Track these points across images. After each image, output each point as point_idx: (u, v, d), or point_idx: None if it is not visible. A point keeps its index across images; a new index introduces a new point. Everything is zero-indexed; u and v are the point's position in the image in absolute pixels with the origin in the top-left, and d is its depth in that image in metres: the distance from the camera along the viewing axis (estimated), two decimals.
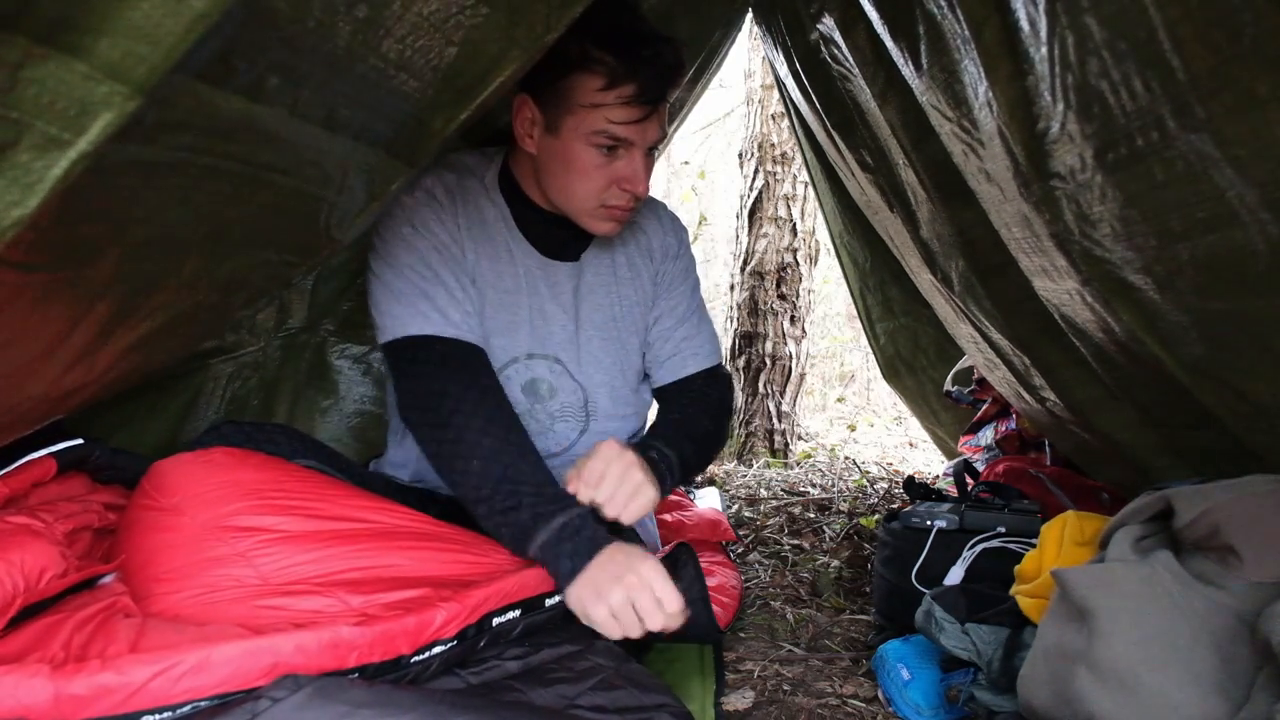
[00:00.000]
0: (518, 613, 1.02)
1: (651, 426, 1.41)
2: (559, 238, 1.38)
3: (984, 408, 2.39)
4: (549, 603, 1.06)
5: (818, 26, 1.58)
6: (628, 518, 1.15)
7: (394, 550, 1.02)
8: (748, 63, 3.89)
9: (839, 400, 5.98)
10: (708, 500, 2.36)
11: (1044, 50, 0.90)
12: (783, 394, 3.68)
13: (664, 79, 1.20)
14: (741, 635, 1.59)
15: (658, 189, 6.79)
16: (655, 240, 1.47)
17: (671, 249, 1.49)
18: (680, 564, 1.25)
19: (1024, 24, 0.92)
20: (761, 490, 2.88)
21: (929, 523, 1.52)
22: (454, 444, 1.15)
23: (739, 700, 1.31)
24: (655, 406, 1.52)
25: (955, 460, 2.31)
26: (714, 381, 1.48)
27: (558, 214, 1.33)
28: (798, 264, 3.68)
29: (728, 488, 2.88)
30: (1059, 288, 1.21)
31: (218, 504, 0.97)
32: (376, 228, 1.29)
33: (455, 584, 1.01)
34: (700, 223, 6.18)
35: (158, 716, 0.74)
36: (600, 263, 1.43)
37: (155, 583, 0.92)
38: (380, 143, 0.97)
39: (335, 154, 0.91)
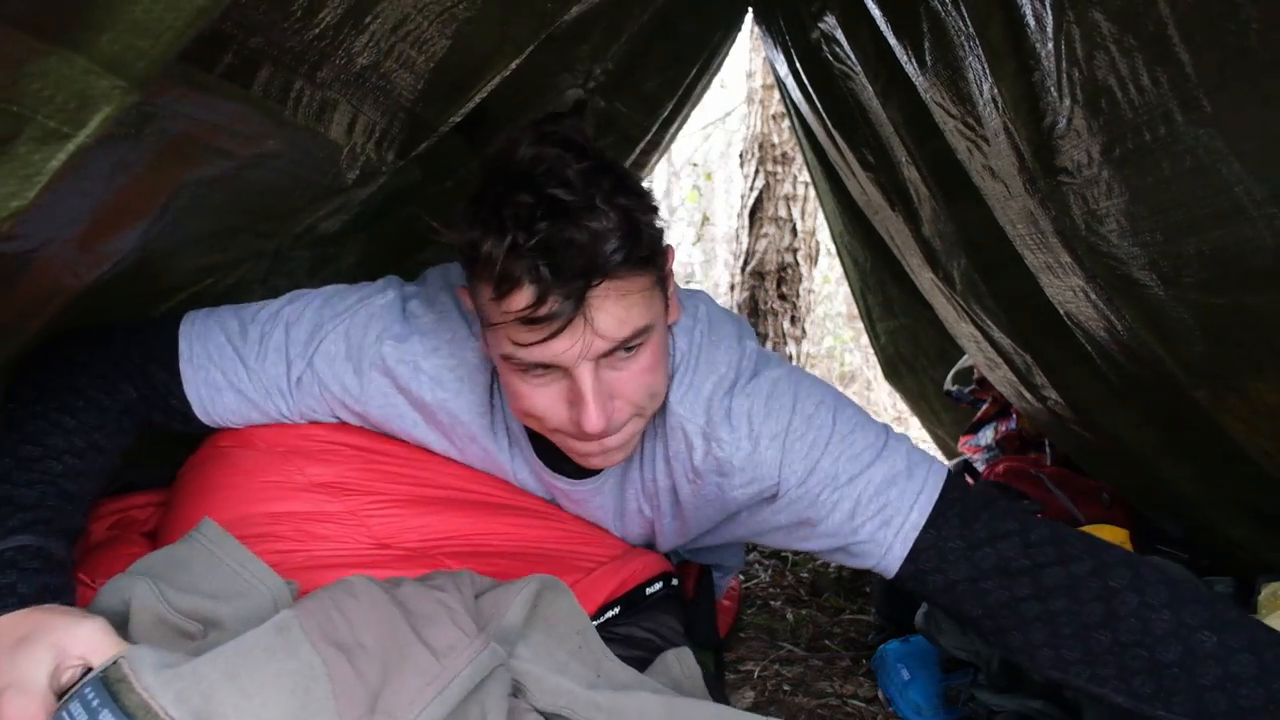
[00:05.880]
0: (616, 610, 1.00)
1: None
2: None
3: (984, 407, 2.39)
4: (649, 591, 1.02)
5: (819, 25, 1.58)
6: None
7: (497, 519, 1.01)
8: (748, 63, 3.89)
9: None
10: None
11: (1050, 45, 0.90)
12: None
13: (575, 271, 0.72)
14: (741, 635, 1.59)
15: (658, 191, 6.75)
16: (727, 479, 0.93)
17: (771, 490, 0.92)
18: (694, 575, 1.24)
19: (1030, 19, 0.92)
20: None
21: None
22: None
23: (739, 700, 1.30)
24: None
25: (955, 460, 2.31)
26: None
27: None
28: (798, 264, 3.69)
29: None
30: (1064, 284, 1.21)
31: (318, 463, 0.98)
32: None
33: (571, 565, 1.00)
34: (702, 223, 6.18)
35: None
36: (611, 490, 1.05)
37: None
38: (372, 134, 0.97)
39: (326, 140, 0.91)
